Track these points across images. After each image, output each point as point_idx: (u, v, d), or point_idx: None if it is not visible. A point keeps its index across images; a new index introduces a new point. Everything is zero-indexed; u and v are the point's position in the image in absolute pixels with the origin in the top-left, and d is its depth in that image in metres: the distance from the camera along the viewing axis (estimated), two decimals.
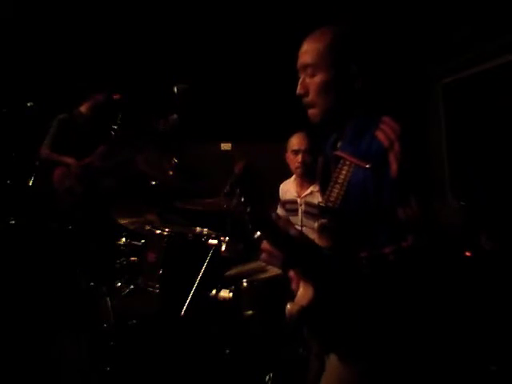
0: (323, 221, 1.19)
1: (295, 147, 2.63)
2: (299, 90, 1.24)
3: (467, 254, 2.63)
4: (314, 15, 2.93)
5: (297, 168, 2.63)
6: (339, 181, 1.19)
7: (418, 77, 3.75)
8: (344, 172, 1.18)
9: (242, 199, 1.03)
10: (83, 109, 3.66)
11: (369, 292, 1.12)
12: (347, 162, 1.18)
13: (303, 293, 1.20)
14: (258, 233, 1.05)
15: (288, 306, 1.20)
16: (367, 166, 1.12)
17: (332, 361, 1.27)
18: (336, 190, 1.19)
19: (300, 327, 1.33)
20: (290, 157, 2.68)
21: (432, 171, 3.76)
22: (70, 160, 3.48)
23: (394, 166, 1.08)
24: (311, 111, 1.25)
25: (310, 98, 1.22)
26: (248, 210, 1.02)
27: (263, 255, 1.12)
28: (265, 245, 1.10)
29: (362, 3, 3.19)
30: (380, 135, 1.12)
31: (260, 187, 1.04)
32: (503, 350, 2.20)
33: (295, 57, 1.26)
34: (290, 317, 1.19)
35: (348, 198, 1.17)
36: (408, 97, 3.62)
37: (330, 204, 1.19)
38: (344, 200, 1.17)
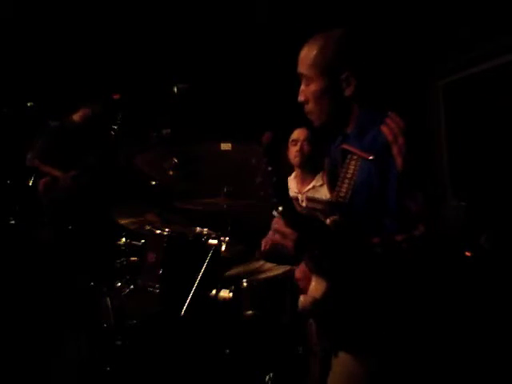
0: (335, 217, 1.19)
1: (294, 137, 2.65)
2: (300, 98, 1.28)
3: (467, 253, 2.63)
4: (312, 16, 2.93)
5: (295, 157, 2.63)
6: (348, 176, 1.21)
7: (417, 77, 3.75)
8: (352, 167, 1.21)
9: (269, 168, 1.02)
10: (76, 117, 3.59)
11: (382, 280, 1.12)
12: (354, 157, 1.20)
13: (316, 286, 1.20)
14: (280, 208, 1.04)
15: (301, 298, 1.20)
16: (370, 157, 1.14)
17: (341, 358, 1.27)
18: (345, 185, 1.21)
19: (312, 319, 1.33)
20: (289, 149, 2.68)
21: (432, 171, 3.75)
22: (57, 172, 3.40)
23: (399, 160, 1.10)
24: (311, 118, 1.29)
25: (309, 105, 1.26)
26: (274, 179, 1.01)
27: (276, 236, 1.12)
28: (278, 225, 1.11)
29: (363, 3, 3.19)
30: (385, 129, 1.14)
31: (283, 162, 1.06)
32: (503, 350, 2.20)
33: (295, 57, 1.29)
34: (303, 309, 1.19)
35: (356, 192, 1.19)
36: (408, 97, 3.61)
37: (341, 199, 1.21)
38: (353, 194, 1.19)
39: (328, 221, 1.18)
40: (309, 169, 2.63)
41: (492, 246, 2.63)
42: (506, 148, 3.01)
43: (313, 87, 1.23)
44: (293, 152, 2.64)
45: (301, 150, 2.59)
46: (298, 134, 2.63)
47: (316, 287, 1.19)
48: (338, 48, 1.22)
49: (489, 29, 2.98)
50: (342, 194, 1.21)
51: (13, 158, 3.70)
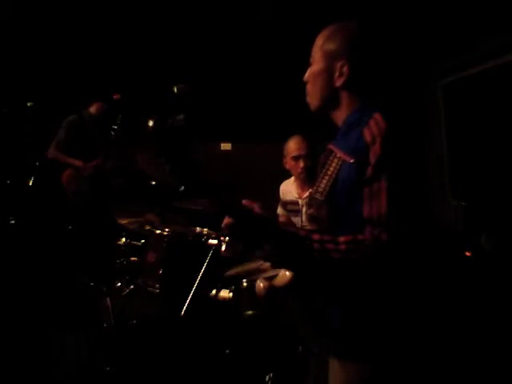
0: (311, 211, 1.21)
1: (295, 153, 2.59)
2: (305, 77, 1.33)
3: (467, 253, 2.63)
4: (313, 15, 2.93)
5: (300, 174, 2.60)
6: (328, 173, 1.22)
7: (417, 77, 3.75)
8: (333, 165, 1.22)
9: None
10: (92, 109, 3.68)
11: (325, 279, 1.14)
12: (337, 155, 1.22)
13: (283, 275, 1.22)
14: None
15: (257, 282, 1.22)
16: (351, 160, 1.15)
17: (333, 363, 1.27)
18: (324, 182, 1.23)
19: (269, 304, 1.35)
20: (290, 163, 2.64)
21: (432, 171, 3.76)
22: (78, 162, 3.49)
23: (372, 162, 1.10)
24: (308, 100, 1.33)
25: (308, 86, 1.32)
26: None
27: (223, 226, 1.14)
28: (226, 219, 1.13)
29: (363, 2, 3.19)
30: (366, 132, 1.14)
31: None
32: (503, 350, 2.20)
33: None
34: (257, 292, 1.21)
35: (334, 190, 1.20)
36: (408, 97, 3.61)
37: (318, 195, 1.22)
38: (331, 192, 1.20)
39: (305, 214, 1.20)
40: (308, 175, 2.62)
41: (492, 246, 2.64)
42: (505, 148, 3.01)
43: (314, 68, 1.29)
44: (296, 169, 2.60)
45: (305, 167, 2.56)
46: (298, 149, 2.58)
47: (282, 277, 1.21)
48: (343, 36, 1.25)
49: (489, 29, 2.98)
50: (320, 190, 1.23)
51: (13, 158, 3.70)
